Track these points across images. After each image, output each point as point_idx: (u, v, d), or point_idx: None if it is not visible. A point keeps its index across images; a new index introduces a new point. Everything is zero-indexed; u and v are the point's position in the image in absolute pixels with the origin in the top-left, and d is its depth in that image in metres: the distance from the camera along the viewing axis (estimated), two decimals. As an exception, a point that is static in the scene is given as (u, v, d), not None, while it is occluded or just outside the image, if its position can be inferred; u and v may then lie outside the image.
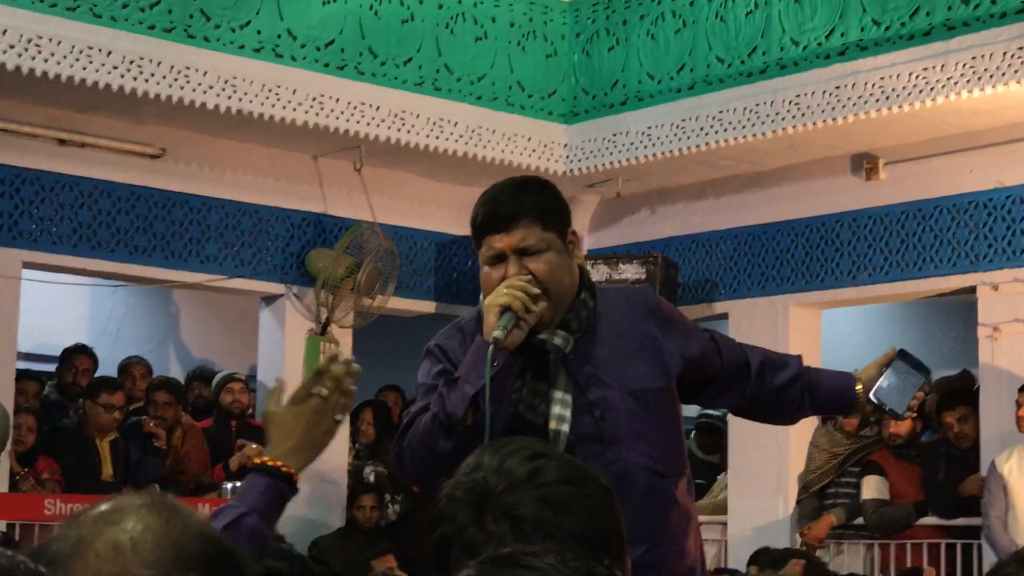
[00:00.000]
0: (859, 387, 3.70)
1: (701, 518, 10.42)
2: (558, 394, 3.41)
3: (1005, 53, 7.89)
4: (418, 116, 9.32)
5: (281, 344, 9.87)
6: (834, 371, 3.81)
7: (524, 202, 3.41)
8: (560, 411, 3.39)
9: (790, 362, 3.73)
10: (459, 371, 3.34)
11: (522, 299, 3.31)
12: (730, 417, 9.92)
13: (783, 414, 3.77)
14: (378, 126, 9.18)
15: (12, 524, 7.86)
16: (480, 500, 2.00)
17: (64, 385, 9.69)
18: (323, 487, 9.73)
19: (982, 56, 7.99)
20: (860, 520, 9.28)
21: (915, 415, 4.58)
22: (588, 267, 9.91)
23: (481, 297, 3.48)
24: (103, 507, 1.77)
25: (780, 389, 3.68)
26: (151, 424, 9.22)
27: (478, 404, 3.26)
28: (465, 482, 2.03)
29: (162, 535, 1.73)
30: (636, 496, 3.32)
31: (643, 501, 3.35)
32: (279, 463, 2.66)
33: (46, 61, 8.02)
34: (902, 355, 3.75)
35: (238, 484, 4.66)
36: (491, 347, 3.25)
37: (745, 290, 10.12)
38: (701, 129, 9.26)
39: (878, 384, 3.69)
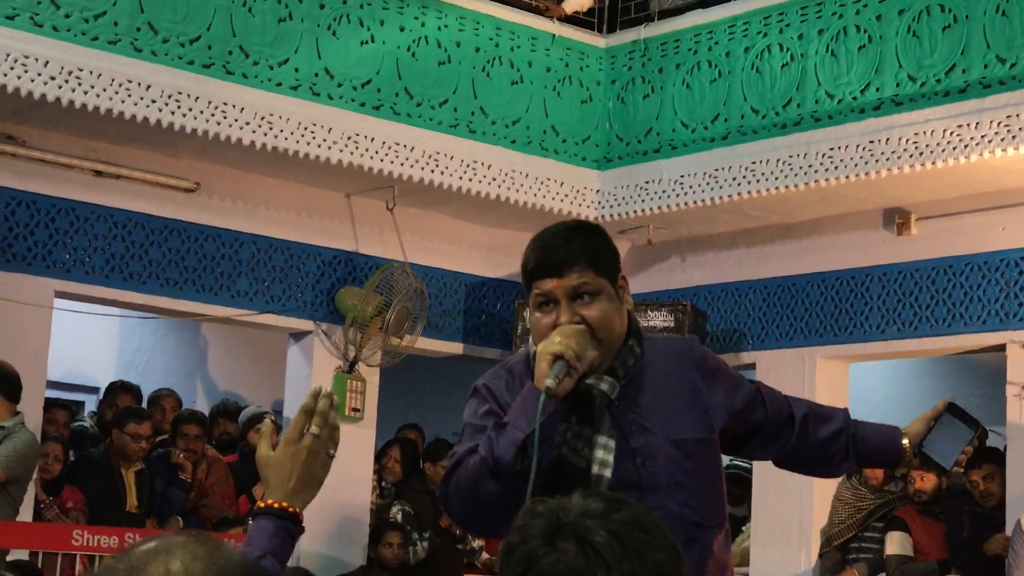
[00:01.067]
0: (906, 441, 3.70)
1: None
2: (602, 439, 3.40)
3: (1040, 112, 7.90)
4: (452, 158, 9.37)
5: (308, 381, 9.89)
6: (880, 424, 3.80)
7: (577, 246, 3.40)
8: (603, 456, 3.39)
9: (835, 415, 3.73)
10: (508, 415, 3.32)
11: (575, 348, 3.30)
12: (755, 466, 9.92)
13: (827, 467, 3.77)
14: (412, 166, 9.23)
15: (35, 553, 7.87)
16: (557, 520, 2.05)
17: (104, 421, 9.73)
18: (346, 524, 9.74)
19: (1017, 115, 8.00)
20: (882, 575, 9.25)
21: (961, 470, 4.58)
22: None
23: (531, 341, 3.48)
24: (152, 543, 1.85)
25: (824, 442, 3.69)
26: (180, 456, 9.25)
27: (527, 450, 3.26)
28: (551, 503, 2.10)
29: (210, 563, 1.80)
30: None
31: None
32: (285, 504, 2.67)
33: (85, 93, 8.09)
34: (951, 409, 3.73)
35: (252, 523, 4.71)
36: (543, 396, 3.24)
37: (773, 341, 10.12)
38: (733, 179, 9.29)
39: (927, 438, 3.69)
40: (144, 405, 10.01)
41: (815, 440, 3.68)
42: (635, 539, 2.03)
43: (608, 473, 3.38)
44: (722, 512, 3.55)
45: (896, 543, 9.11)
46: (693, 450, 3.45)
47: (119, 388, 9.94)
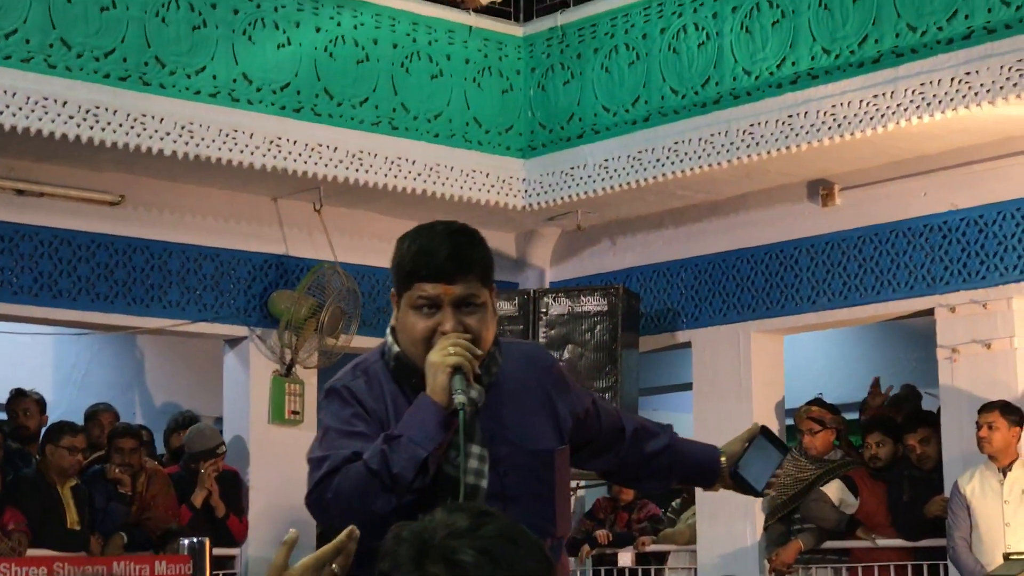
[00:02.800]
0: (723, 459, 3.80)
1: (670, 547, 10.45)
2: (475, 449, 3.34)
3: (953, 79, 7.98)
4: (376, 156, 9.37)
5: (246, 387, 9.89)
6: (701, 444, 3.89)
7: (470, 256, 3.34)
8: (477, 466, 3.34)
9: (662, 432, 3.78)
10: (401, 428, 3.26)
11: (469, 359, 3.27)
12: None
13: (651, 481, 3.83)
14: (336, 167, 9.22)
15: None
16: (423, 543, 2.04)
17: (14, 432, 9.67)
18: (294, 527, 9.70)
19: (931, 82, 8.08)
20: (828, 544, 9.33)
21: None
22: (551, 299, 9.96)
23: (390, 338, 3.41)
24: None
25: (650, 457, 3.74)
26: (116, 471, 9.20)
27: (426, 467, 3.23)
28: (414, 526, 2.09)
29: None
30: None
31: None
32: None
33: (1, 113, 8.04)
34: (764, 432, 3.84)
35: (194, 540, 4.72)
36: (462, 412, 3.20)
37: (707, 318, 10.18)
38: (657, 160, 9.34)
39: (742, 459, 3.79)
40: (78, 420, 9.95)
41: (642, 454, 3.72)
42: (504, 552, 2.03)
43: (484, 484, 3.33)
44: (570, 522, 3.57)
45: (831, 488, 9.21)
46: (549, 460, 3.43)
47: (16, 396, 9.88)
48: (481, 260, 3.37)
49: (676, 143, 9.25)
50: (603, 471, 3.83)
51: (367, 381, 3.38)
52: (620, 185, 9.54)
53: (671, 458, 3.75)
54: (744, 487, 3.81)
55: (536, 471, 3.39)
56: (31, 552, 8.26)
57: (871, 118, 8.34)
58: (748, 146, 8.89)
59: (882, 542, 9.11)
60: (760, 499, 9.59)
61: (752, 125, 8.87)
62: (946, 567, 8.72)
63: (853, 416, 10.57)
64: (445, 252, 3.33)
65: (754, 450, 3.79)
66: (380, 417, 3.36)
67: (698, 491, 9.98)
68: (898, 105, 8.22)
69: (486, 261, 3.39)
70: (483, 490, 3.34)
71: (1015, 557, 7.88)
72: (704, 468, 3.80)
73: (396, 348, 3.39)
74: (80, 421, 9.94)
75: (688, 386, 10.47)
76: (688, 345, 10.29)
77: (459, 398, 3.21)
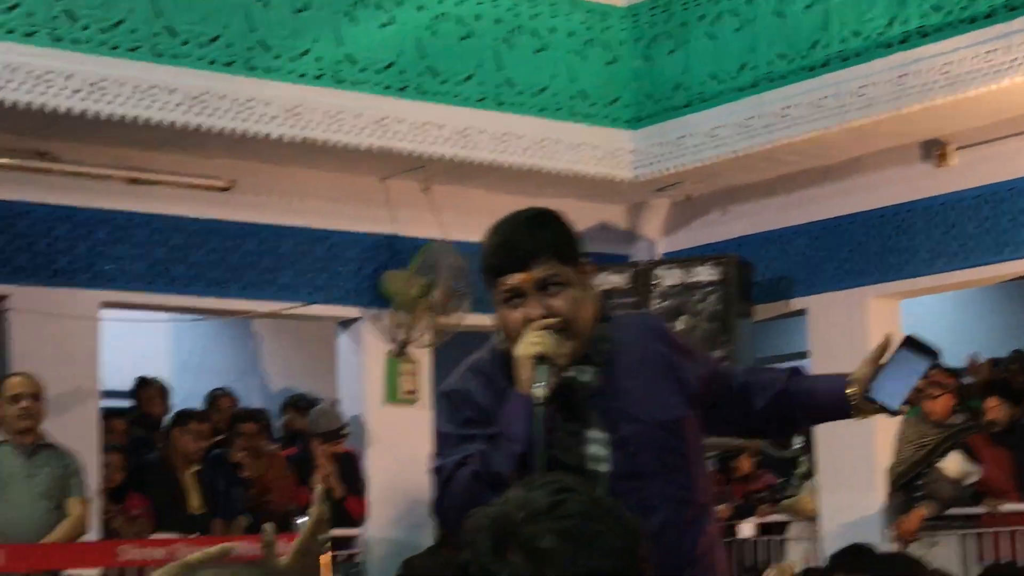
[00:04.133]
0: (851, 389, 3.48)
1: (781, 518, 10.31)
2: (593, 433, 3.31)
3: (1068, 31, 7.79)
4: (482, 132, 9.35)
5: (360, 368, 9.93)
6: (828, 377, 3.66)
7: (540, 237, 3.30)
8: (596, 450, 3.30)
9: (775, 381, 3.57)
10: (502, 426, 3.24)
11: (553, 345, 3.22)
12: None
13: (780, 430, 3.72)
14: (443, 144, 9.21)
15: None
16: (501, 530, 1.98)
17: (141, 418, 9.82)
18: (410, 507, 9.76)
19: (1045, 35, 7.90)
20: (952, 511, 9.19)
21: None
22: (663, 271, 9.89)
23: (496, 337, 3.39)
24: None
25: (769, 408, 3.56)
26: (238, 455, 9.30)
27: (526, 463, 3.18)
28: (491, 512, 2.03)
29: None
30: (673, 530, 3.29)
31: (680, 534, 3.32)
32: None
33: (111, 103, 8.13)
34: (908, 342, 3.48)
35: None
36: (538, 406, 3.16)
37: (822, 285, 10.05)
38: (766, 126, 9.22)
39: (876, 379, 3.44)
40: (197, 405, 10.08)
41: (761, 408, 3.55)
42: (585, 533, 1.95)
43: (604, 468, 3.29)
44: (710, 488, 3.48)
45: (949, 461, 9.07)
46: (679, 430, 3.37)
47: (141, 385, 10.05)
48: (556, 239, 3.33)
49: (785, 108, 9.12)
50: (735, 431, 3.71)
51: (480, 380, 3.38)
52: (729, 153, 9.44)
53: (793, 404, 3.56)
54: (879, 408, 3.47)
55: (667, 443, 3.33)
56: (155, 536, 8.36)
57: (984, 75, 8.16)
58: (859, 108, 8.74)
59: (1009, 507, 8.94)
60: (888, 470, 9.48)
61: (862, 87, 8.72)
62: (1076, 531, 8.56)
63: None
64: (516, 239, 3.31)
65: (893, 365, 3.44)
66: (495, 414, 3.32)
67: (820, 459, 9.87)
68: (1012, 60, 8.04)
69: (562, 239, 3.34)
70: (603, 475, 3.28)
71: None
72: (833, 404, 3.52)
73: (499, 346, 3.38)
74: (199, 406, 10.06)
75: (804, 354, 10.35)
76: (803, 312, 10.16)
77: (536, 391, 3.16)
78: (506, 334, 3.33)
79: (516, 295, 3.30)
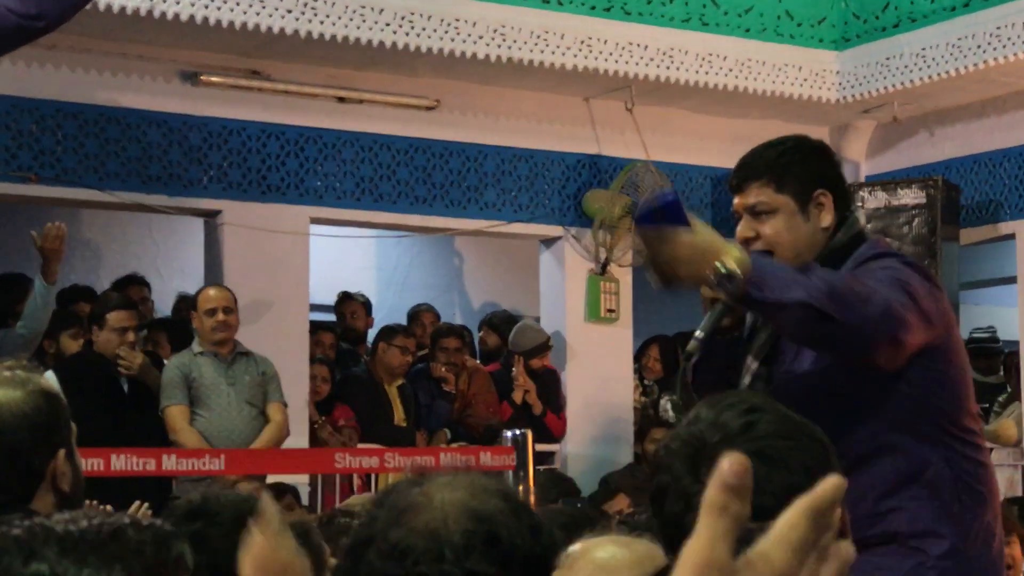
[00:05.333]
0: None
1: (994, 444, 10.14)
2: (749, 361, 3.44)
3: None
4: (686, 52, 9.32)
5: (562, 286, 10.02)
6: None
7: (762, 162, 3.41)
8: (745, 380, 3.42)
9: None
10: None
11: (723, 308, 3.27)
12: (1022, 341, 9.72)
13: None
14: (647, 65, 9.21)
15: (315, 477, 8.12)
16: (695, 452, 2.04)
17: (343, 333, 10.05)
18: (610, 424, 9.86)
19: None
20: None
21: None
22: (867, 193, 9.77)
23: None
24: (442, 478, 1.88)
25: None
26: (441, 369, 9.47)
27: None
28: (682, 434, 2.08)
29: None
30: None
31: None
32: None
33: (322, 23, 8.29)
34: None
35: (517, 432, 4.85)
36: (688, 355, 3.29)
37: (1031, 209, 9.84)
38: (978, 47, 9.03)
39: None
40: (401, 320, 10.28)
41: None
42: (778, 450, 2.01)
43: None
44: (884, 432, 3.28)
45: None
46: (835, 379, 3.30)
47: (343, 300, 10.30)
48: (774, 165, 3.40)
49: (999, 28, 8.91)
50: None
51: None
52: (939, 74, 9.26)
53: None
54: None
55: (815, 392, 3.27)
56: (361, 446, 8.58)
57: None
58: (1075, 29, 8.51)
59: None
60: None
61: (1080, 6, 8.49)
62: None
63: None
64: (745, 161, 3.45)
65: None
66: None
67: (1024, 387, 9.71)
68: None
69: (782, 166, 3.40)
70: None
71: None
72: None
73: None
74: (402, 322, 10.26)
75: (1013, 279, 10.16)
76: (1012, 237, 9.97)
77: (692, 343, 3.25)
78: None
79: (740, 215, 3.45)
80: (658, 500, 2.07)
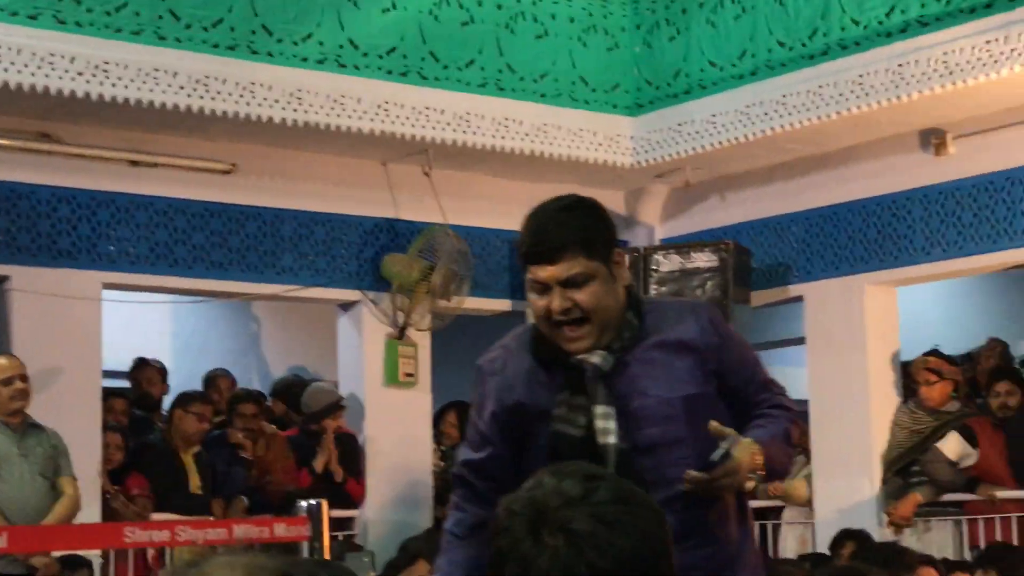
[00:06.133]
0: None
1: (776, 503, 10.28)
2: (600, 409, 3.46)
3: (1067, 21, 7.83)
4: (483, 117, 9.39)
5: (360, 350, 9.98)
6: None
7: (569, 233, 3.41)
8: (604, 424, 3.45)
9: (763, 420, 3.61)
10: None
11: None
12: (811, 399, 9.94)
13: None
14: (444, 129, 9.26)
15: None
16: (537, 515, 2.06)
17: (137, 400, 9.87)
18: (410, 489, 9.82)
19: (1044, 26, 7.94)
20: (946, 497, 9.25)
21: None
22: (661, 256, 9.94)
23: (529, 317, 3.59)
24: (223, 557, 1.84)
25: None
26: (239, 436, 9.35)
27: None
28: (524, 497, 2.10)
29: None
30: (678, 502, 3.36)
31: (684, 507, 3.39)
32: None
33: (114, 86, 8.17)
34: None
35: (312, 502, 4.82)
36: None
37: (819, 272, 10.10)
38: (765, 114, 9.27)
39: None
40: (197, 386, 10.13)
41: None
42: (618, 515, 2.05)
43: (612, 439, 3.44)
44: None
45: (949, 442, 9.12)
46: (692, 406, 3.46)
47: (138, 366, 10.09)
48: (581, 233, 3.44)
49: (784, 96, 9.17)
50: None
51: (506, 356, 3.60)
52: (728, 140, 9.48)
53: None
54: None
55: (672, 418, 3.44)
56: (155, 517, 8.42)
57: (984, 64, 8.21)
58: (858, 97, 8.79)
59: (1003, 494, 9.00)
60: (882, 456, 9.53)
61: (861, 76, 8.77)
62: (1069, 518, 8.62)
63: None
64: (544, 233, 3.44)
65: None
66: (507, 389, 3.55)
67: (815, 444, 9.92)
68: (1012, 50, 8.09)
69: (589, 233, 3.45)
70: (613, 446, 3.44)
71: None
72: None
73: (531, 321, 3.56)
74: (198, 388, 10.11)
75: (802, 340, 10.41)
76: (801, 299, 10.22)
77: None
78: (534, 316, 3.52)
79: (544, 287, 3.45)
80: (497, 564, 2.08)
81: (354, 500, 9.66)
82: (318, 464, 9.41)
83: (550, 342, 3.49)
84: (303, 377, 11.10)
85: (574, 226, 3.43)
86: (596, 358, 3.47)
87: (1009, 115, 8.98)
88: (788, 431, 3.61)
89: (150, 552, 8.20)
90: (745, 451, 3.42)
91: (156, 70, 8.28)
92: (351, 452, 9.68)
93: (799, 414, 10.18)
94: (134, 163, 9.12)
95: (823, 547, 8.98)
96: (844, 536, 8.20)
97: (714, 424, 3.42)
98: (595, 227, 3.47)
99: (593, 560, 2.00)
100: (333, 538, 7.89)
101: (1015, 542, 8.82)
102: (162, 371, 10.29)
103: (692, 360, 3.52)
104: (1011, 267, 9.53)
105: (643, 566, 2.02)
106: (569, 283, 3.42)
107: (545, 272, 3.42)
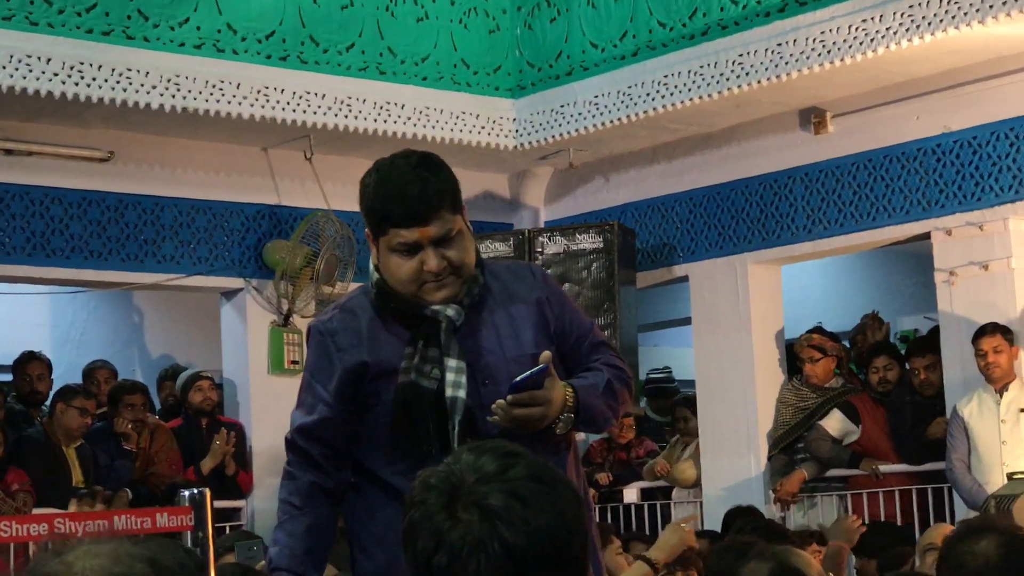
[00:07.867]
0: None
1: (658, 484, 10.32)
2: (452, 362, 3.44)
3: (942, 0, 7.92)
4: (364, 101, 9.32)
5: (244, 338, 9.88)
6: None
7: (435, 191, 3.36)
8: (455, 378, 3.43)
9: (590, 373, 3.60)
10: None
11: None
12: (698, 378, 10.00)
13: None
14: (324, 114, 9.17)
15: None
16: (452, 489, 2.07)
17: (23, 394, 9.67)
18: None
19: (919, 4, 8.02)
20: (831, 472, 9.35)
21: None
22: (546, 239, 9.94)
23: (372, 272, 3.52)
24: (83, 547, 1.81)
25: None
26: (127, 426, 9.19)
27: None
28: (441, 472, 2.10)
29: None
30: None
31: None
32: None
33: (-15, 73, 7.99)
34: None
35: (195, 491, 4.74)
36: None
37: (703, 251, 10.15)
38: (647, 95, 9.29)
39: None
40: (76, 378, 9.96)
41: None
42: (533, 493, 2.05)
43: (462, 394, 3.42)
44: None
45: (831, 419, 9.23)
46: (527, 364, 3.44)
47: (26, 359, 9.85)
48: (448, 189, 3.41)
49: (665, 77, 9.19)
50: None
51: (344, 316, 3.53)
52: (611, 121, 9.49)
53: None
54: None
55: (515, 376, 3.40)
56: (36, 511, 8.27)
57: (860, 43, 8.28)
58: (738, 76, 8.83)
59: (885, 468, 9.11)
60: (768, 433, 9.62)
61: (741, 55, 8.81)
62: (949, 490, 8.75)
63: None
64: (413, 194, 3.36)
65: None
66: (346, 349, 3.49)
67: (701, 423, 9.98)
68: (887, 28, 8.16)
69: (452, 188, 3.43)
70: (461, 400, 3.43)
71: (1018, 476, 7.89)
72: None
73: (377, 276, 3.49)
74: (79, 380, 9.95)
75: (687, 320, 10.47)
76: (686, 279, 10.27)
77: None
78: (394, 279, 3.44)
79: (412, 247, 3.38)
80: (409, 537, 2.08)
81: (242, 491, 9.57)
82: (205, 468, 9.31)
83: (399, 297, 3.45)
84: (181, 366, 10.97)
85: (439, 183, 3.38)
86: (451, 311, 3.45)
87: (886, 93, 9.08)
88: (612, 385, 3.55)
89: (32, 548, 8.04)
90: (559, 391, 3.39)
91: (29, 56, 8.11)
92: (237, 442, 9.57)
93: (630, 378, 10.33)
94: (8, 152, 8.94)
95: (711, 525, 9.03)
96: (736, 513, 8.25)
97: (545, 353, 3.40)
98: (454, 181, 3.44)
99: (506, 536, 2.01)
100: (221, 529, 7.80)
101: (897, 515, 8.94)
102: (49, 364, 10.08)
103: (536, 319, 3.54)
104: (891, 243, 9.64)
105: (557, 544, 2.03)
106: (441, 241, 3.39)
107: (417, 233, 3.35)
